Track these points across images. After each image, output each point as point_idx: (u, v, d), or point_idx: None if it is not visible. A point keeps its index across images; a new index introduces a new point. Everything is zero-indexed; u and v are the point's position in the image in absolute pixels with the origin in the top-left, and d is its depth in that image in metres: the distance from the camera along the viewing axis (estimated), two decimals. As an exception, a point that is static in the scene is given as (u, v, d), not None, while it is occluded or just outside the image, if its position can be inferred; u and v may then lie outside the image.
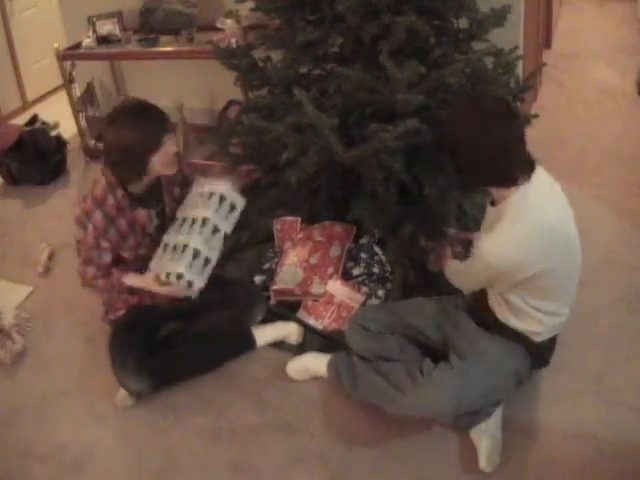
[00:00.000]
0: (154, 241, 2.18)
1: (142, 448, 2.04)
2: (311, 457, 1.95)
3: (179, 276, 2.03)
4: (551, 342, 1.94)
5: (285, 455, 1.97)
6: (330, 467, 1.92)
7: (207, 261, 2.10)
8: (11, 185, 3.77)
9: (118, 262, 2.17)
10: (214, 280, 2.40)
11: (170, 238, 2.13)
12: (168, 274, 2.04)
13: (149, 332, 2.25)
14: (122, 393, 2.15)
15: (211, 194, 2.14)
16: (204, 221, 2.10)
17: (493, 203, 1.80)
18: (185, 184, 2.28)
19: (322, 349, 2.22)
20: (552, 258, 1.70)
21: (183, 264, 2.03)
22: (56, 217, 3.41)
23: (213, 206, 2.12)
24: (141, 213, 2.13)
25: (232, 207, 2.17)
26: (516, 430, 1.94)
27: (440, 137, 1.72)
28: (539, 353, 1.92)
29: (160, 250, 2.14)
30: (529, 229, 1.67)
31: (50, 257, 3.03)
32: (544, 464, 1.86)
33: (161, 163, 2.03)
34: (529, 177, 1.70)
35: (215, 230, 2.12)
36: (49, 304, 2.73)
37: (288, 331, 2.30)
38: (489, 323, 1.91)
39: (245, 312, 2.27)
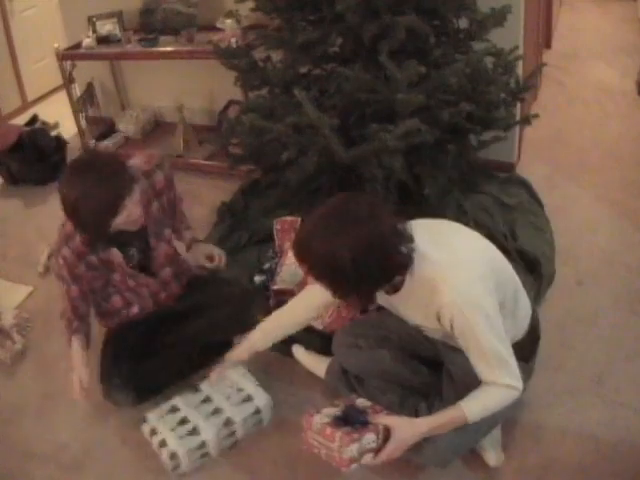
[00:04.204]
0: (136, 277, 2.10)
1: (142, 448, 2.04)
2: (311, 457, 1.95)
3: (172, 456, 1.90)
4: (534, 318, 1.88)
5: (285, 455, 1.97)
6: (330, 467, 1.91)
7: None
8: (11, 185, 3.77)
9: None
10: (211, 280, 2.37)
11: (185, 408, 2.00)
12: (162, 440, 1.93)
13: (144, 338, 2.21)
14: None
15: (247, 397, 2.01)
16: (226, 421, 1.96)
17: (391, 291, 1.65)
18: (178, 221, 2.21)
19: (322, 349, 2.22)
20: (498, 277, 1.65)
21: (183, 446, 1.90)
22: (56, 217, 3.38)
23: (243, 414, 1.98)
24: (114, 252, 2.02)
25: (259, 421, 2.03)
26: (516, 430, 1.94)
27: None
28: (532, 334, 1.86)
29: (166, 410, 2.01)
30: (464, 264, 1.60)
31: (50, 257, 3.02)
32: (544, 464, 1.86)
33: (123, 224, 1.88)
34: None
35: (228, 423, 1.97)
36: (49, 304, 2.72)
37: None
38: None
39: (242, 312, 2.24)
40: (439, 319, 1.60)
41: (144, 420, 2.01)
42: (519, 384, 1.61)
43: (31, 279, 2.91)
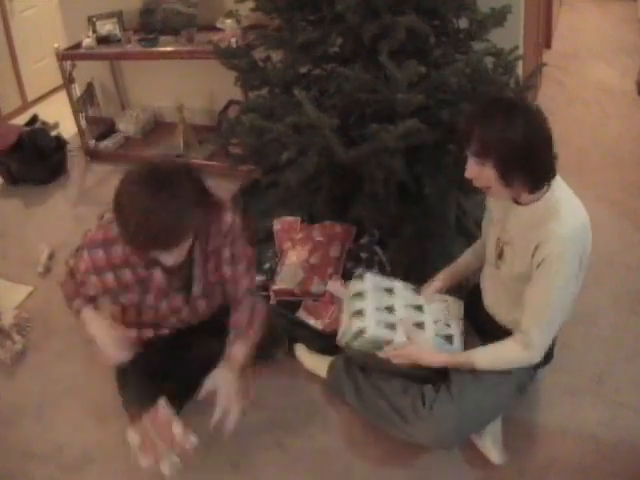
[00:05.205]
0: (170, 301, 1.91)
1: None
2: (311, 457, 1.95)
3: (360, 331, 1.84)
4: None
5: (285, 455, 1.97)
6: (330, 467, 1.92)
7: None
8: (11, 185, 3.77)
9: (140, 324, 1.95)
10: None
11: (399, 298, 1.94)
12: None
13: (159, 361, 2.00)
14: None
15: (448, 338, 1.87)
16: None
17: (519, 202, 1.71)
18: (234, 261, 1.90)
19: (323, 349, 2.22)
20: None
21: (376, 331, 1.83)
22: (56, 217, 3.42)
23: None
24: (158, 275, 1.82)
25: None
26: (516, 430, 1.94)
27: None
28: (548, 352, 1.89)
29: (383, 287, 1.96)
30: (583, 212, 1.73)
31: (50, 257, 3.03)
32: (544, 464, 1.86)
33: (161, 259, 1.69)
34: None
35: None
36: (49, 304, 2.72)
37: None
38: (488, 331, 1.89)
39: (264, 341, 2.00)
40: (537, 248, 1.62)
41: (361, 275, 1.99)
42: (538, 351, 1.70)
43: (31, 279, 2.91)
